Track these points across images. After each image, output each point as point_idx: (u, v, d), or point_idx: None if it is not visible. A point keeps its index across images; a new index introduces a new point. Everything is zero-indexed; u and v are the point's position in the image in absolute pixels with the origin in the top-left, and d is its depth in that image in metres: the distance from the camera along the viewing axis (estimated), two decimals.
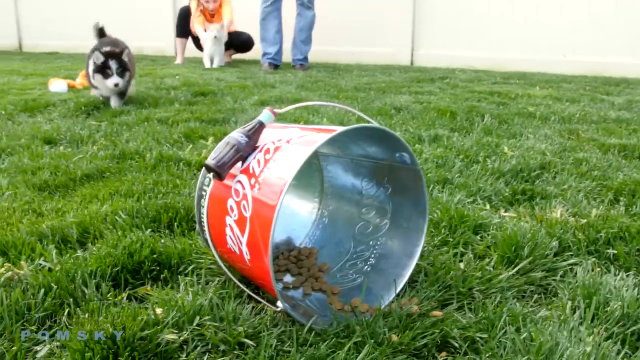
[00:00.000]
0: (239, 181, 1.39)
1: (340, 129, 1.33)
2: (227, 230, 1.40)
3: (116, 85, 3.87)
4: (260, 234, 1.28)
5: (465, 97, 4.66)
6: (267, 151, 1.39)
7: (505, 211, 2.05)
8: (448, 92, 5.00)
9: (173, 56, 8.85)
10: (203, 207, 1.50)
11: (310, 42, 7.36)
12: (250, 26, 7.87)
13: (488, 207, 2.08)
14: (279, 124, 1.54)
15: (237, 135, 1.42)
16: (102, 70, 3.84)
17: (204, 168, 1.44)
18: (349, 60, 8.35)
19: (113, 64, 3.83)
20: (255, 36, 7.86)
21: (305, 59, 7.39)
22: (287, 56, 7.50)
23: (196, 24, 7.79)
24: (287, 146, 1.36)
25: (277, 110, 1.48)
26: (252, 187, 1.34)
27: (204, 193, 1.50)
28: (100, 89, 4.05)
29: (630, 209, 2.04)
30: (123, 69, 3.89)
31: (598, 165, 2.59)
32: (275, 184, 1.29)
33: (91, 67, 3.91)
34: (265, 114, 1.46)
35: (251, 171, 1.38)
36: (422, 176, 1.48)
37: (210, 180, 1.48)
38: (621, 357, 1.16)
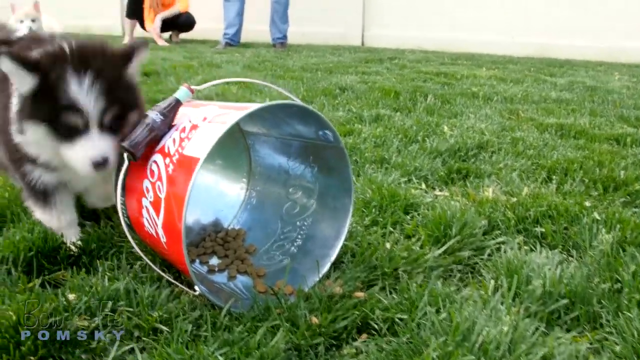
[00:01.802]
0: (155, 161, 1.33)
1: (255, 105, 1.29)
2: (144, 212, 1.35)
3: (99, 164, 1.33)
4: (177, 214, 1.23)
5: (412, 78, 4.66)
6: (183, 130, 1.33)
7: (440, 190, 2.04)
8: (395, 73, 4.99)
9: (120, 35, 8.63)
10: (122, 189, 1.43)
11: (287, 21, 7.46)
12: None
13: (424, 186, 2.07)
14: (198, 101, 1.48)
15: (152, 113, 1.35)
16: (60, 115, 1.29)
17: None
18: (300, 41, 8.27)
19: (87, 91, 1.28)
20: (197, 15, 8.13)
21: (285, 37, 7.49)
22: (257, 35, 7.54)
23: (147, 23, 8.05)
24: (204, 124, 1.31)
25: (194, 87, 1.42)
26: (167, 166, 1.29)
27: (122, 175, 1.43)
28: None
29: (561, 188, 2.05)
30: (122, 112, 1.36)
31: (534, 144, 2.61)
32: (190, 163, 1.24)
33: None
34: (181, 91, 1.39)
35: (167, 150, 1.32)
36: (346, 154, 1.45)
37: (127, 161, 1.41)
38: (538, 336, 1.16)
